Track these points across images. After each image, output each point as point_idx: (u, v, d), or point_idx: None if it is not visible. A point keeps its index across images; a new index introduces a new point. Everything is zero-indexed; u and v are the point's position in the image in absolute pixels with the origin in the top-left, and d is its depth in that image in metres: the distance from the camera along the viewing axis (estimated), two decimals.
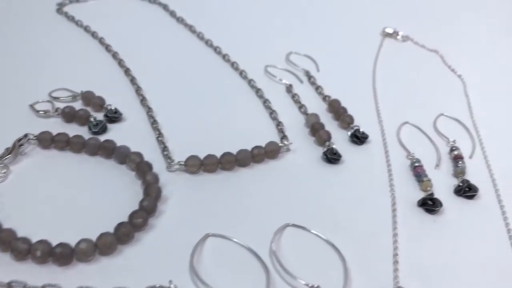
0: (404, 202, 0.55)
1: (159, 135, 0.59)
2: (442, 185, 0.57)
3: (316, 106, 0.68)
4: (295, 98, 0.69)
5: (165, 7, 0.86)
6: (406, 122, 0.66)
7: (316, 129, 0.62)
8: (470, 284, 0.47)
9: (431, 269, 0.48)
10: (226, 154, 0.56)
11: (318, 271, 0.46)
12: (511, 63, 0.79)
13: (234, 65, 0.75)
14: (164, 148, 0.58)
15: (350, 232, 0.51)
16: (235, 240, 0.48)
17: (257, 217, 0.51)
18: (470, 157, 0.62)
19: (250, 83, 0.71)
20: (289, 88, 0.71)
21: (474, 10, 0.93)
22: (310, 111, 0.66)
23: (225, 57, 0.76)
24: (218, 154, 0.56)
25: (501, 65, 0.78)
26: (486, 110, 0.69)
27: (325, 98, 0.69)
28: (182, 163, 0.55)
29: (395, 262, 0.48)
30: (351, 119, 0.65)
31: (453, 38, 0.85)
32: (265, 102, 0.68)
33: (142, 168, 0.53)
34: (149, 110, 0.63)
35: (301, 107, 0.67)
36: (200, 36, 0.80)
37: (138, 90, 0.67)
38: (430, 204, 0.53)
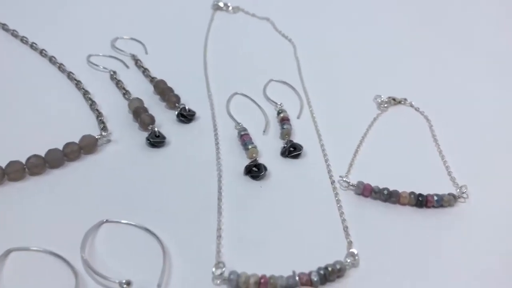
0: (231, 173, 0.53)
1: None
2: (271, 149, 0.57)
3: (144, 90, 0.65)
4: (119, 85, 0.65)
5: None
6: (236, 93, 0.65)
7: (138, 114, 0.58)
8: (297, 243, 0.46)
9: (256, 236, 0.47)
10: (32, 157, 0.51)
11: (137, 264, 0.43)
12: (337, 24, 0.81)
13: (52, 60, 0.68)
14: None
15: (175, 216, 0.48)
16: (34, 248, 0.43)
17: (69, 220, 0.47)
18: (298, 117, 0.62)
19: (69, 76, 0.66)
20: (113, 76, 0.66)
21: None
22: (137, 95, 0.62)
23: (42, 53, 0.70)
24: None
25: (328, 28, 0.79)
26: (314, 71, 0.70)
27: (152, 80, 0.66)
28: None
29: (219, 237, 0.46)
30: (177, 98, 0.62)
31: (282, 4, 0.85)
32: (85, 94, 0.63)
33: None
34: None
35: (125, 93, 0.63)
36: (14, 34, 0.72)
37: None
38: (255, 171, 0.52)
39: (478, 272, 0.44)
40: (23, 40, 0.72)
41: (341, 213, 0.49)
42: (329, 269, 0.42)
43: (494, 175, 0.55)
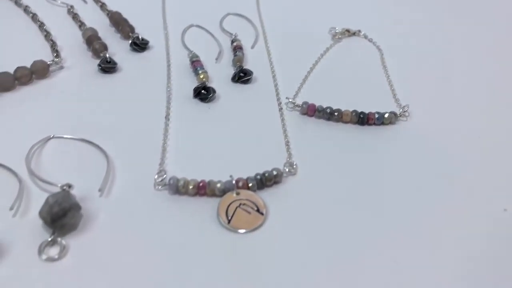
0: (181, 97, 0.54)
1: None
2: (222, 76, 0.58)
3: (100, 23, 0.65)
4: (76, 18, 0.65)
5: None
6: (192, 25, 0.65)
7: (90, 42, 0.59)
8: (238, 155, 0.48)
9: (201, 151, 0.48)
10: None
11: (82, 174, 0.44)
12: None
13: None
14: None
15: (121, 134, 0.49)
16: None
17: (18, 137, 0.48)
18: (252, 47, 0.63)
19: (26, 9, 0.66)
20: (70, 10, 0.67)
21: None
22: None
23: None
24: None
25: None
26: (271, 4, 0.70)
27: (108, 14, 0.66)
28: None
29: (164, 150, 0.47)
30: (131, 29, 0.62)
31: None
32: (41, 26, 0.63)
33: None
34: None
35: (80, 25, 0.64)
36: None
37: None
38: (203, 94, 0.53)
39: (414, 186, 0.46)
40: None
41: (284, 130, 0.50)
42: (266, 175, 0.44)
43: (435, 99, 0.56)
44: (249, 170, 0.45)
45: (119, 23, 0.63)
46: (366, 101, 0.54)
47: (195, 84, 0.56)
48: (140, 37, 0.61)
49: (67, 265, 0.38)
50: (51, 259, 0.38)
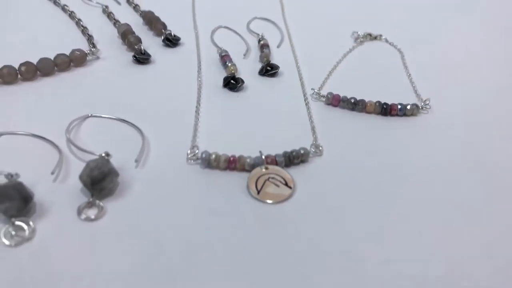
0: (211, 87, 0.57)
1: None
2: (250, 70, 0.60)
3: (132, 23, 0.68)
4: (110, 16, 0.69)
5: None
6: (220, 26, 0.69)
7: (125, 35, 0.62)
8: (266, 137, 0.50)
9: (231, 131, 0.50)
10: (25, 64, 0.54)
11: (118, 148, 0.46)
12: None
13: None
14: None
15: (155, 116, 0.52)
16: (23, 132, 0.46)
17: (59, 115, 0.50)
18: (278, 46, 0.65)
19: (64, 8, 0.70)
20: (105, 9, 0.70)
21: None
22: None
23: None
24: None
25: None
26: (296, 10, 0.74)
27: (141, 14, 0.69)
28: None
29: (195, 130, 0.49)
30: (163, 26, 0.66)
31: None
32: (78, 22, 0.66)
33: None
34: None
35: (115, 23, 0.67)
36: None
37: None
38: (232, 83, 0.56)
39: (434, 172, 0.47)
40: None
41: (310, 117, 0.52)
42: (294, 153, 0.46)
43: (455, 94, 0.58)
44: (276, 149, 0.47)
45: (152, 21, 0.67)
46: (388, 95, 0.56)
47: (223, 75, 0.59)
48: (172, 34, 0.64)
49: (104, 225, 0.40)
50: (89, 219, 0.39)
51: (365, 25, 0.70)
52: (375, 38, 0.68)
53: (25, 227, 0.38)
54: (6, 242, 0.37)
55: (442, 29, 0.71)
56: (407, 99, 0.57)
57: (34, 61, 0.55)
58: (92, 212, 0.40)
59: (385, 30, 0.70)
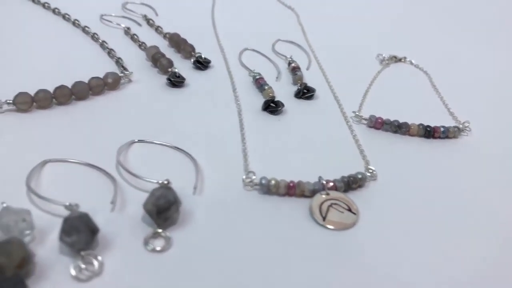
0: (250, 110, 0.56)
1: None
2: (284, 93, 0.60)
3: (157, 44, 0.67)
4: (134, 37, 0.67)
5: None
6: (246, 48, 0.68)
7: (156, 59, 0.61)
8: (316, 162, 0.49)
9: (279, 156, 0.49)
10: (60, 88, 0.52)
11: (171, 175, 0.45)
12: None
13: (65, 17, 0.71)
14: None
15: (200, 140, 0.50)
16: (74, 160, 0.44)
17: (102, 140, 0.49)
18: (307, 68, 0.65)
19: (84, 30, 0.68)
20: (127, 31, 0.69)
21: None
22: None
23: (55, 11, 0.72)
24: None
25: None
26: (317, 33, 0.74)
27: (165, 36, 0.68)
28: (10, 101, 0.51)
29: (245, 155, 0.48)
30: (192, 48, 0.65)
31: None
32: (102, 44, 0.65)
33: None
34: None
35: (140, 45, 0.66)
36: None
37: None
38: (273, 106, 0.55)
39: (479, 193, 0.48)
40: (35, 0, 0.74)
41: (356, 140, 0.52)
42: (351, 178, 0.45)
43: (490, 113, 0.59)
44: (327, 173, 0.46)
45: (179, 43, 0.66)
46: (422, 117, 0.57)
47: (259, 98, 0.58)
48: (202, 56, 0.63)
49: (171, 256, 0.38)
50: (155, 251, 0.38)
51: (386, 47, 0.71)
52: (400, 60, 0.69)
53: (94, 261, 0.36)
54: (80, 276, 0.35)
55: (465, 48, 0.73)
56: (442, 121, 0.57)
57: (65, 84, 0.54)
58: (158, 243, 0.38)
59: (406, 51, 0.71)
